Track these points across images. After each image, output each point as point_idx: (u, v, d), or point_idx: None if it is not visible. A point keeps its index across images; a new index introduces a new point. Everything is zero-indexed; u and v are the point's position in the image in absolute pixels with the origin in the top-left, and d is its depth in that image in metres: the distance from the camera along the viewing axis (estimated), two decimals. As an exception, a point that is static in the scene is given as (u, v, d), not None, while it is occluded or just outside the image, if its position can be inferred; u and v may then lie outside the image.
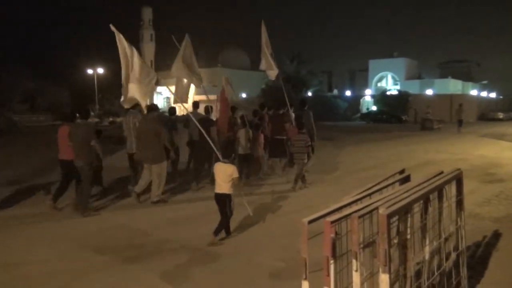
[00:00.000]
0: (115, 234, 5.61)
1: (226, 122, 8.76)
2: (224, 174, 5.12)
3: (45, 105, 45.56)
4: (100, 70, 50.55)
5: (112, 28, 5.77)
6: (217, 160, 5.57)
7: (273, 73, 10.20)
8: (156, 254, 4.80)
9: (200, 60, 10.09)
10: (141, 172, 7.53)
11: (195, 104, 9.69)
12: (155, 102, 52.54)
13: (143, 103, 6.42)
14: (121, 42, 5.86)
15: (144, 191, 7.48)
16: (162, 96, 55.44)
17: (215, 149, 6.57)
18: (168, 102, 54.23)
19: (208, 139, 6.73)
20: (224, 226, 5.22)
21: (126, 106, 6.56)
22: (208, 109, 8.78)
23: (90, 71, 50.73)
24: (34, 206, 7.05)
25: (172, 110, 9.80)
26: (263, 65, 10.08)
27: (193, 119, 7.40)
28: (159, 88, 62.04)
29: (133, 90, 5.97)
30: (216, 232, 5.10)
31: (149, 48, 67.51)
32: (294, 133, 8.47)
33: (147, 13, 70.15)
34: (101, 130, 8.39)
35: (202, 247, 5.00)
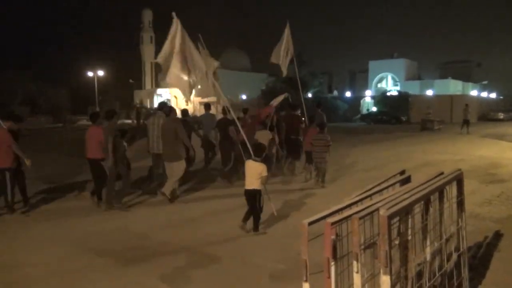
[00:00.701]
0: (115, 236, 5.59)
1: (252, 130, 8.82)
2: (255, 172, 5.34)
3: (46, 107, 45.63)
4: (101, 73, 50.61)
5: (174, 15, 6.16)
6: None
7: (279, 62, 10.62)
8: (156, 256, 4.79)
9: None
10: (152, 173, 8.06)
11: (207, 106, 9.71)
12: (155, 104, 52.53)
13: (187, 95, 6.62)
14: (181, 32, 6.19)
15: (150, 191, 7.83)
16: (162, 98, 55.42)
17: (249, 147, 6.52)
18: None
19: (245, 138, 6.84)
20: (258, 220, 5.46)
21: (168, 81, 6.70)
22: (225, 110, 8.91)
23: (90, 73, 50.79)
24: (34, 207, 7.03)
25: (184, 111, 9.81)
26: (274, 59, 10.48)
27: (234, 117, 7.62)
28: (159, 90, 62.17)
29: (180, 77, 6.37)
30: (256, 228, 5.43)
31: (149, 50, 67.60)
32: (314, 133, 8.61)
33: (147, 15, 70.26)
34: (127, 130, 7.91)
35: (202, 249, 5.00)
